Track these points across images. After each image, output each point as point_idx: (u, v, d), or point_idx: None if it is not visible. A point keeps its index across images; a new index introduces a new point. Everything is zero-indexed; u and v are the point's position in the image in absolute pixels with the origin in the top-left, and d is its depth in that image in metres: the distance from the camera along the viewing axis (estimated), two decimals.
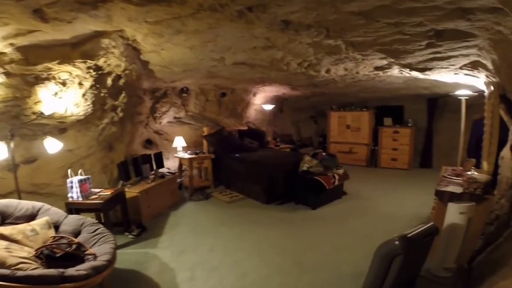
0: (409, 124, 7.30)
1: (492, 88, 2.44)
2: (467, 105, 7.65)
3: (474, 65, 2.94)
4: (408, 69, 3.57)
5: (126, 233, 3.57)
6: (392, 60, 3.20)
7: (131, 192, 3.91)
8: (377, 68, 3.79)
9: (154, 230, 3.74)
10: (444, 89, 6.03)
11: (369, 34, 2.38)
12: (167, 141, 5.73)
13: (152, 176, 4.36)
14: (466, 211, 2.07)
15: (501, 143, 4.77)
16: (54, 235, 2.45)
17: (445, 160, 7.72)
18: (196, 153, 5.35)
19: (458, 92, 3.92)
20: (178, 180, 5.17)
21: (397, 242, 1.75)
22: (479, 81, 3.51)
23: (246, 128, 6.86)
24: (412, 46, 2.56)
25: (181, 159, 5.37)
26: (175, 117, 5.72)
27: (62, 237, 2.42)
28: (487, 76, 3.02)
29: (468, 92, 3.87)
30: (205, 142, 5.90)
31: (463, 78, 3.67)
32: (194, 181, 5.34)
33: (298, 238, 3.41)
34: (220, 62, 3.70)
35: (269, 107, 7.19)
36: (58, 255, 2.22)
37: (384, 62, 3.42)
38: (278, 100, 7.93)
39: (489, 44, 2.20)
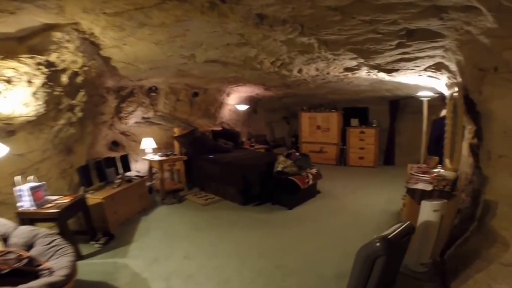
0: (374, 125, 7.52)
1: (456, 89, 2.48)
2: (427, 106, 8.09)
3: (438, 67, 3.00)
4: (376, 70, 3.58)
5: (92, 242, 3.22)
6: (362, 60, 3.17)
7: (94, 198, 3.54)
8: (347, 69, 3.77)
9: (123, 237, 3.41)
10: (406, 91, 6.27)
11: (343, 32, 2.29)
12: (135, 142, 5.32)
13: (118, 181, 3.98)
14: (439, 208, 2.05)
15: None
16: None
17: (407, 157, 8.05)
18: (167, 155, 5.02)
19: (420, 94, 4.02)
20: (148, 183, 4.81)
21: (378, 244, 1.66)
22: (440, 83, 3.62)
23: (220, 128, 6.62)
24: (383, 46, 2.53)
25: (150, 161, 5.00)
26: (143, 117, 5.33)
27: (9, 252, 2.07)
28: (449, 78, 3.10)
29: (430, 94, 3.98)
30: (176, 143, 5.57)
31: (425, 80, 3.77)
32: (166, 184, 5.02)
33: (278, 239, 3.27)
34: (191, 59, 3.45)
35: (243, 107, 7.01)
36: (3, 272, 1.89)
37: (354, 63, 3.40)
38: (252, 101, 7.79)
39: (456, 45, 2.21)
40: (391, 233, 1.73)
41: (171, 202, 4.58)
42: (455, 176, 2.34)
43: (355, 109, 7.92)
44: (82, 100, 3.45)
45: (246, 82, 5.29)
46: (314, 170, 4.61)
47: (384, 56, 2.83)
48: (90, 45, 2.73)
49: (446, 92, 3.75)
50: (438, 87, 3.96)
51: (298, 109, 8.33)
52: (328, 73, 4.00)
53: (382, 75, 3.86)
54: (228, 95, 6.83)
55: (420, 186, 2.41)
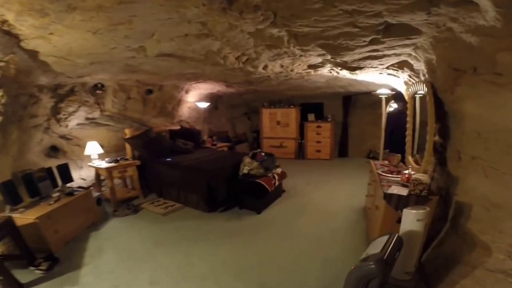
0: (329, 119, 7.55)
1: (421, 87, 2.35)
2: (374, 102, 8.40)
3: (401, 65, 2.87)
4: (339, 68, 3.36)
5: (32, 268, 2.54)
6: (329, 57, 2.90)
7: (24, 218, 2.78)
8: (311, 66, 3.50)
9: (71, 260, 2.75)
10: (358, 88, 6.33)
11: (319, 24, 1.96)
12: (79, 147, 4.45)
13: (56, 195, 3.21)
14: (423, 218, 1.88)
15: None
16: None
17: (358, 148, 8.34)
18: (116, 160, 4.28)
19: (379, 91, 3.94)
20: (96, 193, 4.04)
21: (373, 266, 1.40)
22: (398, 81, 3.55)
23: (178, 127, 5.96)
24: (356, 42, 2.27)
25: (97, 169, 4.22)
26: (87, 118, 4.47)
27: None
28: (410, 76, 3.01)
29: (387, 91, 3.93)
30: (128, 146, 4.82)
31: (384, 77, 3.68)
32: (117, 192, 4.28)
33: (253, 251, 2.87)
34: (140, 53, 2.84)
35: (203, 104, 6.42)
36: None
37: (319, 60, 3.13)
38: (213, 98, 7.22)
39: (430, 42, 2.03)
40: (385, 253, 1.48)
41: (124, 213, 3.91)
42: (429, 180, 2.21)
43: (312, 105, 7.88)
44: (1, 101, 2.63)
45: (207, 78, 4.74)
46: (279, 170, 4.31)
47: (354, 53, 2.59)
48: (5, 35, 2.00)
49: (402, 89, 3.72)
50: (394, 84, 3.91)
51: (259, 105, 8.01)
52: (292, 70, 3.69)
53: (344, 73, 3.67)
54: (187, 92, 6.18)
55: (395, 190, 2.24)
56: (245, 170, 3.82)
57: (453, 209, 2.22)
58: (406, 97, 3.68)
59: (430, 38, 1.98)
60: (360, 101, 7.71)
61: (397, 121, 4.98)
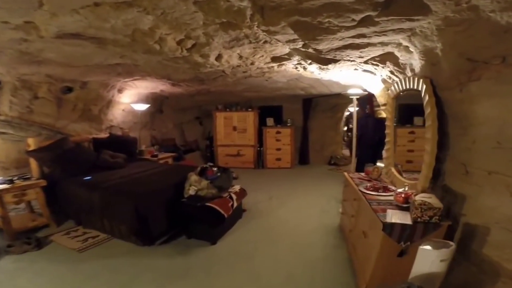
0: (289, 124, 7.16)
1: (421, 85, 1.94)
2: (334, 105, 8.30)
3: (384, 59, 2.44)
4: (309, 61, 2.82)
5: None
6: (301, 45, 2.32)
7: None
8: (275, 59, 2.92)
9: None
10: (319, 90, 6.03)
11: None
12: None
13: None
14: (448, 257, 1.39)
15: (379, 143, 4.96)
16: None
17: (318, 155, 8.11)
18: (11, 181, 3.12)
19: (350, 91, 3.55)
20: None
21: None
22: (373, 80, 3.18)
23: (106, 135, 4.85)
24: (343, 20, 1.71)
25: None
26: None
27: None
28: (392, 73, 2.62)
29: (359, 91, 3.55)
30: (33, 161, 3.63)
31: (356, 76, 3.28)
32: (16, 221, 3.13)
33: None
34: (31, 32, 1.94)
35: (142, 107, 5.40)
36: None
37: (286, 50, 2.56)
38: (156, 99, 6.22)
39: (437, 27, 1.58)
40: None
41: (22, 249, 2.79)
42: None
43: (270, 108, 7.41)
44: None
45: (145, 74, 3.84)
46: (237, 187, 3.57)
47: (334, 38, 2.05)
48: None
49: (377, 89, 3.37)
50: (366, 84, 3.56)
51: (212, 108, 7.24)
52: (252, 63, 3.06)
53: (313, 68, 3.17)
54: (120, 91, 5.12)
55: (396, 218, 1.74)
56: (191, 191, 2.99)
57: (460, 232, 1.81)
58: (382, 99, 3.33)
59: (438, 20, 1.52)
60: (320, 104, 7.49)
61: (364, 126, 4.73)
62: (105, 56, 2.76)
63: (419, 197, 1.73)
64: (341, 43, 2.15)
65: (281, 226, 3.42)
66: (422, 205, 1.67)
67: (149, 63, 3.05)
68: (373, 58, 2.51)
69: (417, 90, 2.02)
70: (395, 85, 2.50)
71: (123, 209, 2.88)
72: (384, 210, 1.90)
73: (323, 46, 2.24)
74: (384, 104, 3.30)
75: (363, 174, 3.05)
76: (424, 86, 1.88)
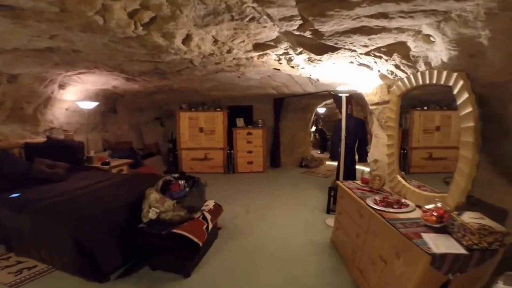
0: (260, 125, 6.70)
1: (451, 79, 1.57)
2: (304, 105, 8.02)
3: (391, 50, 2.08)
4: (300, 49, 2.35)
5: None
6: (297, 25, 1.85)
7: None
8: (257, 47, 2.41)
9: None
10: (293, 89, 5.67)
11: None
12: None
13: None
14: None
15: (362, 143, 4.68)
16: None
17: (289, 157, 7.79)
18: None
19: (339, 88, 3.16)
20: None
21: None
22: (368, 76, 2.81)
23: (43, 140, 3.89)
24: None
25: None
26: None
27: None
28: (397, 67, 2.26)
29: (349, 88, 3.17)
30: None
31: (347, 70, 2.89)
32: None
33: None
34: None
35: (89, 105, 4.48)
36: None
37: (274, 34, 2.06)
38: (108, 97, 5.33)
39: (489, 10, 1.21)
40: None
41: None
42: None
43: (240, 108, 6.90)
44: None
45: (88, 64, 3.04)
46: (211, 204, 2.94)
47: (347, 16, 1.60)
48: None
49: (370, 87, 3.04)
50: (355, 81, 3.21)
51: (176, 107, 6.48)
52: (229, 51, 2.50)
53: (299, 60, 2.72)
54: (62, 87, 4.19)
55: (445, 247, 1.34)
56: (151, 214, 2.29)
57: (502, 253, 1.47)
58: (375, 97, 3.00)
59: (493, 2, 1.15)
60: (291, 104, 7.16)
61: (346, 128, 4.42)
62: (26, 35, 2.01)
63: (471, 219, 1.36)
64: (352, 24, 1.72)
65: (264, 246, 2.90)
66: (481, 230, 1.28)
67: (91, 46, 2.32)
68: (378, 49, 2.13)
69: (443, 86, 1.65)
70: (405, 80, 2.14)
71: (60, 240, 2.12)
72: (417, 235, 1.50)
73: (328, 27, 1.78)
74: (377, 103, 2.97)
75: (358, 182, 2.67)
76: (461, 82, 1.53)
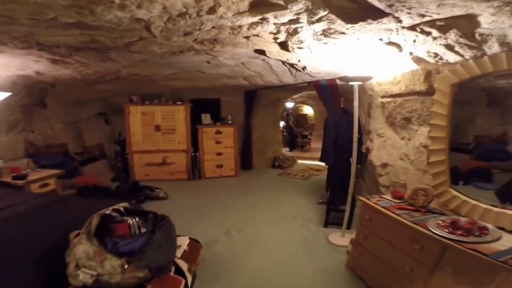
0: (229, 121, 5.85)
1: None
2: (276, 99, 7.33)
3: (450, 25, 1.46)
4: (323, 12, 1.56)
5: None
6: None
7: None
8: (255, 7, 1.58)
9: None
10: (268, 79, 4.91)
11: None
12: None
13: None
14: None
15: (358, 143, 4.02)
16: None
17: (261, 157, 7.08)
18: None
19: (354, 75, 2.46)
20: None
21: None
22: (393, 58, 2.16)
23: None
24: None
25: None
26: None
27: None
28: (449, 47, 1.63)
29: (366, 76, 2.49)
30: None
31: (367, 51, 2.20)
32: None
33: None
34: None
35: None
36: None
37: None
38: (33, 87, 4.03)
39: None
40: None
41: None
42: None
43: (206, 102, 5.96)
44: None
45: None
46: (185, 243, 2.01)
47: None
48: None
49: (383, 72, 2.41)
50: (367, 67, 2.54)
51: (125, 100, 5.26)
52: (212, 10, 1.61)
53: (306, 35, 1.96)
54: None
55: None
56: (83, 277, 1.34)
57: None
58: (396, 87, 2.38)
59: None
60: (262, 98, 6.43)
61: (340, 125, 3.80)
62: None
63: None
64: None
65: (263, 283, 2.09)
66: None
67: None
68: (432, 22, 1.48)
69: None
70: (470, 65, 1.51)
71: None
72: None
73: None
74: (396, 95, 2.36)
75: (388, 197, 2.03)
76: None
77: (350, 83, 2.45)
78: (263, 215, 3.60)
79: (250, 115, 6.30)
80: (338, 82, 3.78)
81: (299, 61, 3.04)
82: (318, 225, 3.19)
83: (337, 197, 3.13)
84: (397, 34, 1.72)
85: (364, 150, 3.74)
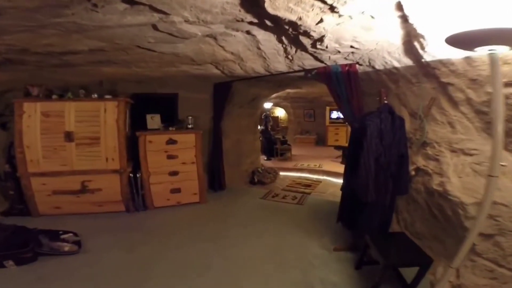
0: (190, 125, 4.08)
1: None
2: (254, 97, 5.63)
3: None
4: None
5: None
6: None
7: None
8: None
9: None
10: (250, 66, 3.29)
11: None
12: None
13: None
14: None
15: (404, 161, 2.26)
16: None
17: (234, 171, 5.35)
18: None
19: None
20: None
21: None
22: None
23: None
24: None
25: None
26: None
27: None
28: None
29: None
30: None
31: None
32: None
33: None
34: None
35: None
36: None
37: None
38: None
39: None
40: None
41: None
42: None
43: (155, 97, 4.13)
44: None
45: None
46: None
47: None
48: None
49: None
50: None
51: (19, 94, 3.28)
52: None
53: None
54: None
55: None
56: None
57: None
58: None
59: None
60: (236, 94, 4.74)
61: (384, 135, 2.17)
62: None
63: None
64: None
65: None
66: None
67: None
68: None
69: None
70: None
71: None
72: None
73: None
74: None
75: None
76: None
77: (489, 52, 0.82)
78: (250, 267, 1.94)
79: (220, 117, 4.57)
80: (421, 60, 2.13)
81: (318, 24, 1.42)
82: None
83: (384, 249, 1.60)
84: None
85: (413, 173, 2.19)
